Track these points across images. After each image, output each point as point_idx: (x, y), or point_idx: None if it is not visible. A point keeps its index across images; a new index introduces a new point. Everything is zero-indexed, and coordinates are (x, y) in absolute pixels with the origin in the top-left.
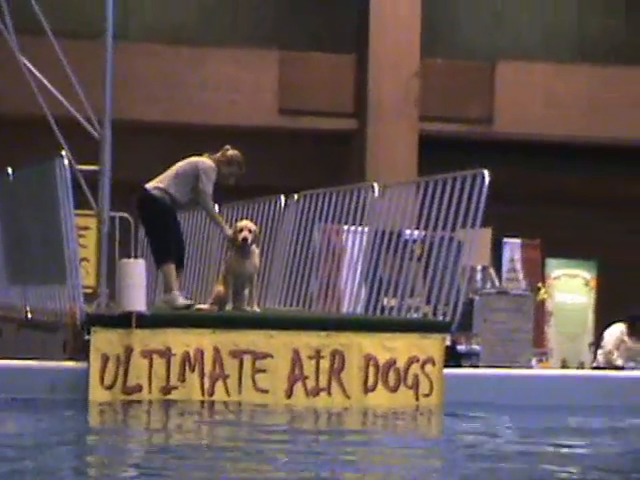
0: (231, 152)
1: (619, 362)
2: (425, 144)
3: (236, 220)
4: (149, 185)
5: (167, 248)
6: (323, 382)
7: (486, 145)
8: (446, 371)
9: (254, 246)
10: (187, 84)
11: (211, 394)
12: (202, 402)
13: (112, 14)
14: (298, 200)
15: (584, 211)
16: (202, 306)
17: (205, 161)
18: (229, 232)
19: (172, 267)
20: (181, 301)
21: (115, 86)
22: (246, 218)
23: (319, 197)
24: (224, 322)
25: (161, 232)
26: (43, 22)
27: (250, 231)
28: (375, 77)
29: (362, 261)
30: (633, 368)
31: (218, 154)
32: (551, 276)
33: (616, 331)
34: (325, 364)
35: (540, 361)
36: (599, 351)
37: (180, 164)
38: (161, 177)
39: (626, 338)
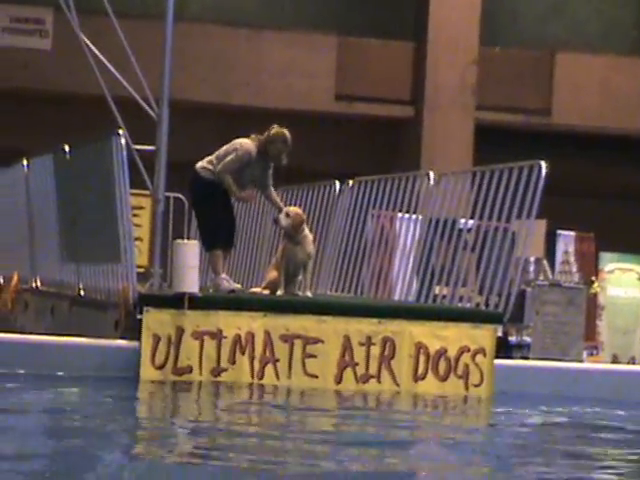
0: (274, 130)
1: None
2: (481, 133)
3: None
4: (198, 165)
5: (214, 231)
6: (373, 369)
7: (543, 136)
8: (497, 362)
9: (307, 232)
10: (244, 66)
11: (261, 377)
12: (251, 385)
13: None
14: (353, 186)
15: (639, 206)
16: (255, 289)
17: (243, 142)
18: (245, 196)
19: (219, 251)
20: (225, 285)
21: (172, 67)
22: (299, 205)
23: (374, 184)
24: (276, 306)
25: (208, 215)
26: (104, 2)
27: (288, 215)
28: (432, 65)
29: (415, 249)
30: None
31: (264, 134)
32: (604, 270)
33: None
34: (376, 351)
35: (591, 355)
36: None
37: (226, 145)
38: (210, 157)
39: None
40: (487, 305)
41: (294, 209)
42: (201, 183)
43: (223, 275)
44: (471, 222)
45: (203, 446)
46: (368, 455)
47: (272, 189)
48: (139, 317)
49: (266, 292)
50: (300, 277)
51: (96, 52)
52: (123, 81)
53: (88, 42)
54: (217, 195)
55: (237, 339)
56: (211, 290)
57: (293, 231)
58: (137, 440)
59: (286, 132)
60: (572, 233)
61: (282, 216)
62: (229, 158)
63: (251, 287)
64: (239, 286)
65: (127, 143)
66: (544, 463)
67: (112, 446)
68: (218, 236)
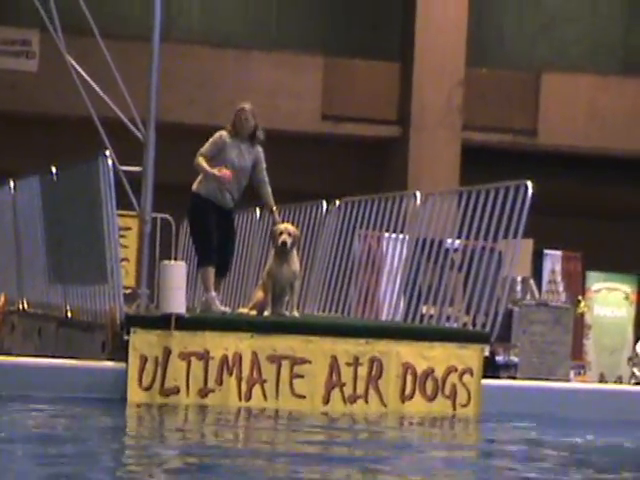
0: (238, 107)
1: None
2: (468, 153)
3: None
4: (194, 186)
5: (205, 247)
6: (360, 389)
7: (529, 156)
8: (484, 382)
9: (294, 251)
10: (231, 87)
11: (248, 398)
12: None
13: (159, 16)
14: (339, 206)
15: (626, 225)
16: (242, 310)
17: (217, 133)
18: (215, 172)
19: (210, 270)
20: (217, 306)
21: (160, 88)
22: (290, 223)
23: (360, 204)
24: (263, 327)
25: (199, 230)
26: (91, 23)
27: (290, 234)
28: (419, 85)
29: (402, 269)
30: None
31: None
32: (591, 289)
33: None
34: (363, 371)
35: (578, 374)
36: (635, 367)
37: None
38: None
39: None
40: (474, 325)
41: (292, 228)
42: (192, 200)
43: (213, 293)
44: (458, 242)
45: (191, 467)
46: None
47: (268, 187)
48: (126, 338)
49: (253, 312)
50: (287, 297)
51: (82, 73)
52: (110, 102)
53: (74, 63)
54: (207, 210)
55: (224, 360)
56: (198, 310)
57: (291, 249)
58: (122, 462)
59: (246, 104)
60: (559, 252)
61: (285, 237)
62: (204, 147)
63: (238, 307)
64: (228, 310)
65: (114, 164)
66: None
67: (98, 469)
68: (209, 252)
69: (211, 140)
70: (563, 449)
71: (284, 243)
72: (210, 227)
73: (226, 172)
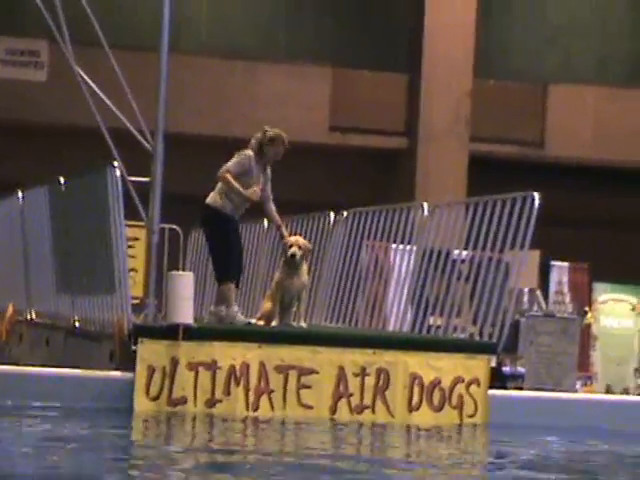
0: (272, 132)
1: None
2: (475, 165)
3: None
4: (209, 199)
5: (226, 263)
6: (368, 400)
7: (536, 168)
8: (491, 392)
9: (303, 263)
10: (239, 99)
11: (255, 409)
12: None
13: (167, 27)
14: (347, 217)
15: (633, 236)
16: (250, 320)
17: (241, 151)
18: (249, 194)
19: (232, 286)
20: (241, 318)
21: (168, 99)
22: (297, 233)
23: (368, 215)
24: (271, 337)
25: (224, 250)
26: (99, 34)
27: (300, 247)
28: (427, 96)
29: (409, 280)
30: None
31: (258, 136)
32: (598, 300)
33: None
34: (370, 382)
35: (585, 385)
36: (637, 375)
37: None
38: (217, 187)
39: None
40: (481, 335)
41: (303, 241)
42: (214, 215)
43: (235, 307)
44: (465, 253)
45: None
46: None
47: (272, 204)
48: (134, 348)
49: (261, 323)
50: (295, 308)
51: (91, 84)
52: (118, 113)
53: (83, 74)
54: (230, 225)
55: (232, 370)
56: (211, 321)
57: (300, 261)
58: (129, 472)
59: (283, 133)
60: (565, 264)
61: (295, 249)
62: (230, 162)
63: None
64: (253, 320)
65: (122, 175)
66: None
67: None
68: (230, 268)
69: (238, 159)
70: (569, 458)
71: (293, 255)
72: (233, 245)
73: (257, 191)
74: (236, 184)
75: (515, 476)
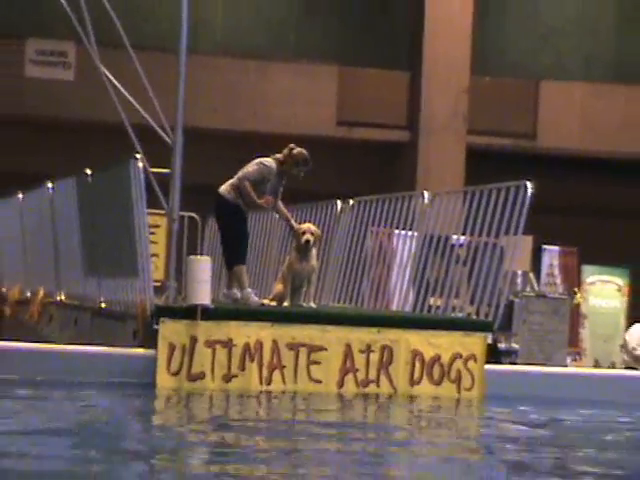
0: (296, 151)
1: None
2: (472, 156)
3: (298, 222)
4: (222, 188)
5: (238, 249)
6: (372, 374)
7: (529, 158)
8: (487, 367)
9: (313, 248)
10: (252, 96)
11: (269, 383)
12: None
13: (186, 30)
14: (353, 205)
15: (619, 222)
16: (263, 301)
17: (264, 160)
18: (261, 203)
19: (243, 268)
20: (255, 299)
21: (186, 96)
22: (308, 221)
23: (373, 203)
24: (283, 317)
25: (233, 236)
26: (123, 36)
27: (312, 234)
28: (427, 93)
29: (411, 263)
30: None
31: (284, 152)
32: (586, 282)
33: (637, 330)
34: (375, 358)
35: (574, 360)
36: (622, 351)
37: (248, 164)
38: (231, 180)
39: None
40: (478, 314)
41: (314, 228)
42: (225, 205)
43: (248, 289)
44: (463, 238)
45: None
46: None
47: (281, 203)
48: (155, 327)
49: (273, 303)
50: (305, 289)
51: (115, 82)
52: (140, 109)
53: (108, 73)
54: (240, 216)
55: (246, 347)
56: (227, 302)
57: (312, 247)
58: (152, 441)
59: (306, 153)
60: (556, 248)
61: (308, 235)
62: (251, 169)
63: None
64: (265, 301)
65: (144, 167)
66: (533, 458)
67: (132, 444)
68: (241, 253)
69: (258, 167)
70: (558, 428)
71: (307, 241)
72: (246, 233)
73: (269, 200)
74: (252, 193)
75: (510, 437)
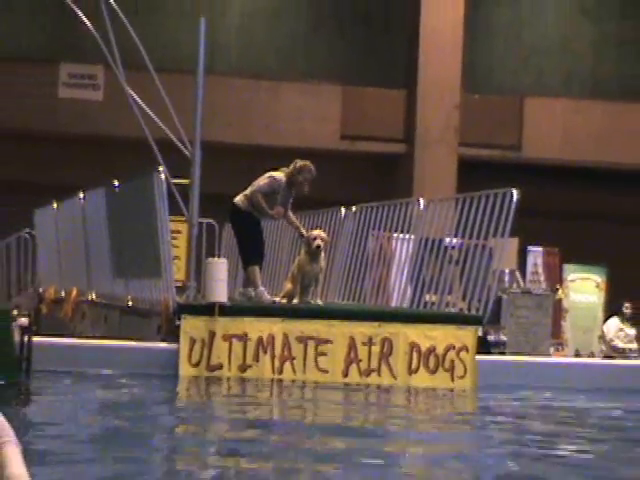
0: (300, 162)
1: (620, 345)
2: (463, 166)
3: (307, 228)
4: (236, 199)
5: (252, 253)
6: (374, 364)
7: (515, 168)
8: (478, 357)
9: (322, 251)
10: (264, 113)
11: (280, 372)
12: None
13: (203, 53)
14: (355, 212)
15: (596, 224)
16: (274, 298)
17: (275, 173)
18: (272, 213)
19: (256, 268)
20: (267, 297)
21: (204, 113)
22: (318, 227)
23: (373, 209)
24: (292, 313)
25: (246, 238)
26: (146, 60)
27: (322, 239)
28: (422, 109)
29: (408, 264)
30: (631, 350)
31: (290, 167)
32: (567, 279)
33: (614, 323)
34: (376, 349)
35: (557, 350)
36: (601, 341)
37: (260, 178)
38: (245, 191)
39: (623, 326)
40: (469, 309)
41: (324, 234)
42: (239, 213)
43: (261, 288)
44: (455, 240)
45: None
46: None
47: (291, 213)
48: (178, 323)
49: (284, 301)
50: (312, 288)
51: (140, 102)
52: (162, 126)
53: (133, 93)
54: (253, 221)
55: (260, 341)
56: (242, 300)
57: (321, 251)
58: (178, 424)
59: (311, 164)
60: (540, 249)
61: (319, 241)
62: (262, 182)
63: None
64: (277, 299)
65: (166, 178)
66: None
67: (159, 428)
68: (255, 255)
69: (269, 181)
70: (544, 410)
71: (318, 247)
72: (259, 236)
73: (280, 210)
74: (264, 204)
75: (497, 421)
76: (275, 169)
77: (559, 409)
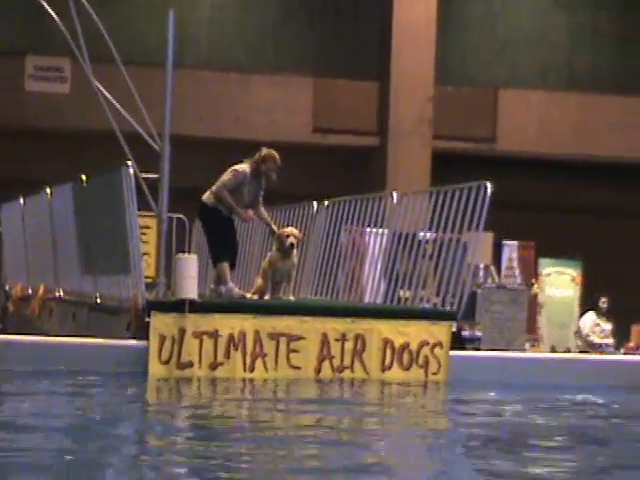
0: (265, 151)
1: (597, 340)
2: (437, 159)
3: (279, 223)
4: (204, 196)
5: (221, 249)
6: (347, 361)
7: (489, 161)
8: (452, 353)
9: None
10: (234, 105)
11: (252, 370)
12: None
13: (172, 46)
14: (328, 206)
15: (571, 218)
16: (245, 294)
17: (237, 166)
18: (241, 215)
19: (226, 265)
20: (237, 292)
21: (173, 106)
22: (290, 225)
23: (346, 203)
24: (264, 309)
25: (216, 236)
26: (114, 52)
27: (295, 237)
28: (395, 101)
29: (382, 258)
30: (607, 345)
31: (255, 156)
32: (542, 273)
33: (590, 318)
34: (349, 346)
35: (532, 346)
36: (577, 337)
37: (225, 173)
38: (212, 187)
39: (599, 321)
40: (443, 305)
41: (296, 232)
42: (207, 210)
43: (230, 284)
44: (429, 234)
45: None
46: None
47: (262, 208)
48: (147, 320)
49: (255, 297)
50: (284, 284)
51: (107, 95)
52: (131, 119)
53: (100, 86)
54: (221, 218)
55: (231, 338)
56: (212, 297)
57: (294, 248)
58: (146, 425)
59: (275, 152)
60: (515, 242)
61: (292, 239)
62: (226, 178)
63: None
64: (248, 294)
65: (135, 172)
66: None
67: (125, 427)
68: (224, 252)
69: (232, 175)
70: (520, 405)
71: (292, 244)
72: (229, 233)
73: (250, 215)
74: (231, 201)
75: (474, 422)
76: (240, 161)
77: (534, 404)
